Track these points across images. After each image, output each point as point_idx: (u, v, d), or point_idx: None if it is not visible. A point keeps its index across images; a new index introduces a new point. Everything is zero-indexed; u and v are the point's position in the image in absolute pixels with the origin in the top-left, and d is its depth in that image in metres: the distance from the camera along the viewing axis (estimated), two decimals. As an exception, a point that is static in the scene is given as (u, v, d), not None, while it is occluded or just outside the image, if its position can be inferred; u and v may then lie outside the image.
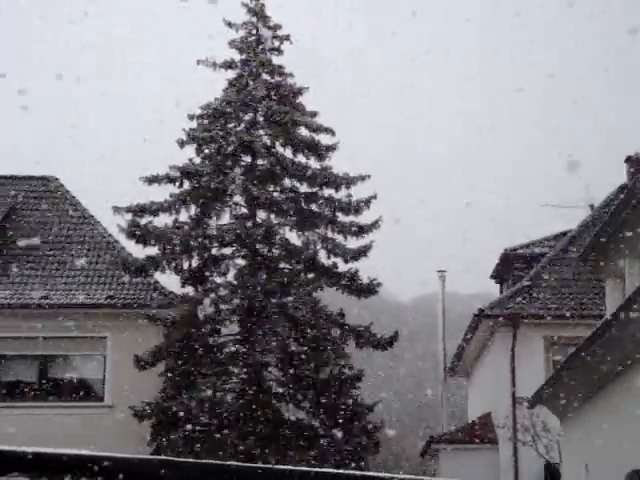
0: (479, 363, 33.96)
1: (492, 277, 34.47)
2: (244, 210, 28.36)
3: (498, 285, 34.37)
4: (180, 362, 26.36)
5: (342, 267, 27.84)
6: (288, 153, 28.67)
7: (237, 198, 28.45)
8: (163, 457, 3.20)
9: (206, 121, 28.53)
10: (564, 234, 32.13)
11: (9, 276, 29.16)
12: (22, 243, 29.05)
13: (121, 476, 2.98)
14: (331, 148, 28.53)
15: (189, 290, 27.80)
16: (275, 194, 28.40)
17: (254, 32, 29.29)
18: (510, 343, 28.44)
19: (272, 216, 28.12)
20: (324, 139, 28.57)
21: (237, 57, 29.16)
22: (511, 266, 32.12)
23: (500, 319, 28.70)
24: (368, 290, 27.82)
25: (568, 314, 28.25)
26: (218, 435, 25.48)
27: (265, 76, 29.24)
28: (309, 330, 26.38)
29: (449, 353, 36.48)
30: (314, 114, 28.94)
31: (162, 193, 28.01)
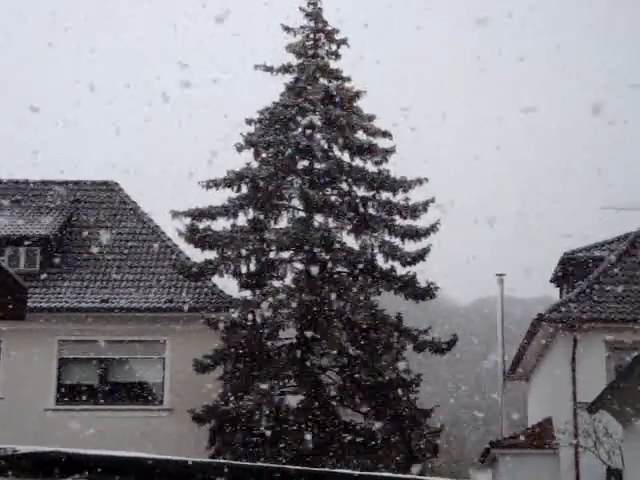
0: (539, 367, 33.64)
1: (552, 281, 34.13)
2: (302, 214, 28.39)
3: (558, 289, 34.02)
4: (238, 365, 26.45)
5: (400, 271, 27.78)
6: (345, 157, 28.67)
7: (295, 202, 28.49)
8: (221, 460, 3.20)
9: (264, 125, 28.62)
10: (625, 237, 31.73)
11: (70, 280, 29.50)
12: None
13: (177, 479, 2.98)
14: (388, 151, 28.48)
15: (247, 294, 27.89)
16: (333, 198, 28.39)
17: (311, 36, 29.34)
18: (570, 347, 28.13)
19: (330, 220, 28.12)
20: (381, 142, 28.54)
21: (294, 61, 29.23)
22: (571, 270, 31.78)
23: (560, 324, 28.40)
24: (426, 294, 27.69)
25: (630, 318, 27.88)
26: (276, 438, 25.52)
27: (322, 80, 29.26)
28: (367, 334, 26.32)
29: (508, 357, 36.18)
30: (372, 117, 28.89)
31: (220, 198, 28.17)
